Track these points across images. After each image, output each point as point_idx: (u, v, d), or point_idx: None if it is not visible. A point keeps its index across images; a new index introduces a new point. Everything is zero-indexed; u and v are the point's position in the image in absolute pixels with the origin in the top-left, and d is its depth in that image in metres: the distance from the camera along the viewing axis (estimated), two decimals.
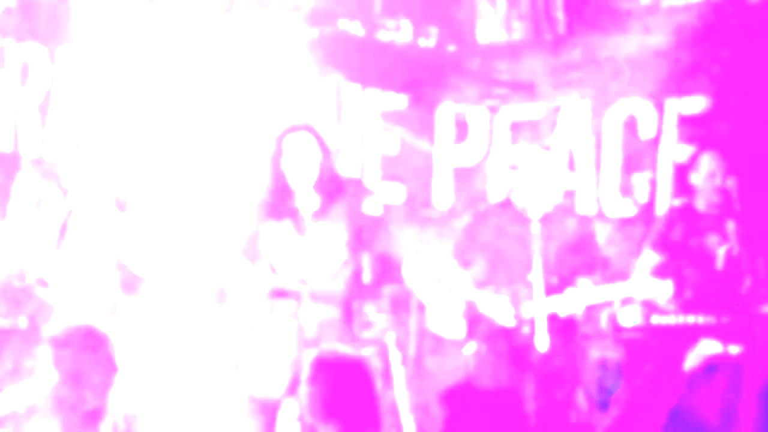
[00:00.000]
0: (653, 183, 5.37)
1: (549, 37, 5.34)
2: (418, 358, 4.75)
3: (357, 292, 4.03)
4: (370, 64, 5.42)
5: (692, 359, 4.32)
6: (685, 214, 4.60)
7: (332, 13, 5.33)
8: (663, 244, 4.56)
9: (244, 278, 3.86)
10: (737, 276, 4.46)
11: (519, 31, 5.37)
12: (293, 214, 3.69)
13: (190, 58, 4.86)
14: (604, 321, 4.51)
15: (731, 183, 4.47)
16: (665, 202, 5.18)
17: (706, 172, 4.47)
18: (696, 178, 4.43)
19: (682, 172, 4.95)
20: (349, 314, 3.87)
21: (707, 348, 4.28)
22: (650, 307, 4.35)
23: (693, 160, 4.59)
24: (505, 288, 3.99)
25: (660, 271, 4.38)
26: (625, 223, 5.30)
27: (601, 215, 5.34)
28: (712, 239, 4.53)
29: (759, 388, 4.30)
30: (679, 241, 4.54)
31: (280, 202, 3.72)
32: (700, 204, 4.42)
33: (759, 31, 5.09)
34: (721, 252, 4.48)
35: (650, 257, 4.51)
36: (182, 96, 4.82)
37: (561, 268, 4.01)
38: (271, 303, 3.69)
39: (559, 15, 5.27)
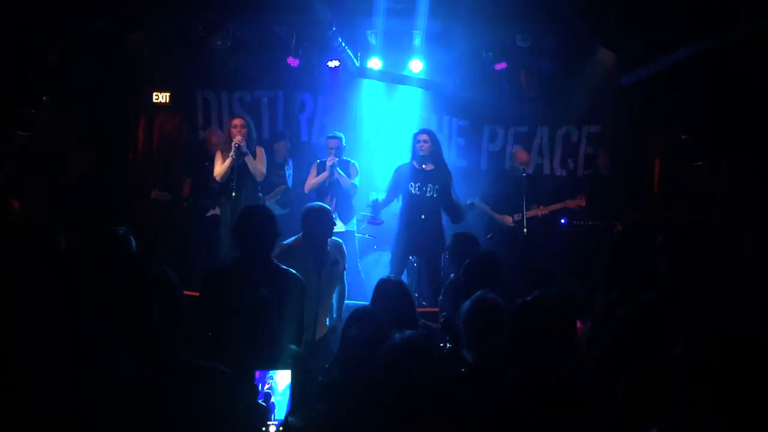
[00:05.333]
0: (578, 161, 8.87)
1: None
2: None
3: None
4: None
5: None
6: (593, 176, 8.29)
7: None
8: (583, 187, 8.10)
9: None
10: (610, 204, 7.86)
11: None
12: None
13: None
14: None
15: (613, 162, 7.92)
16: (581, 170, 8.78)
17: (602, 157, 8.09)
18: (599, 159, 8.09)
19: (590, 158, 8.75)
20: None
21: None
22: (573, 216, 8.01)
23: (596, 152, 8.30)
24: None
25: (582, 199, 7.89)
26: (563, 179, 8.78)
27: (552, 175, 8.89)
28: (607, 186, 7.93)
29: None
30: (590, 185, 8.03)
31: None
32: (602, 171, 8.04)
33: (626, 108, 8.29)
34: (608, 190, 7.84)
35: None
36: None
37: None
38: None
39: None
